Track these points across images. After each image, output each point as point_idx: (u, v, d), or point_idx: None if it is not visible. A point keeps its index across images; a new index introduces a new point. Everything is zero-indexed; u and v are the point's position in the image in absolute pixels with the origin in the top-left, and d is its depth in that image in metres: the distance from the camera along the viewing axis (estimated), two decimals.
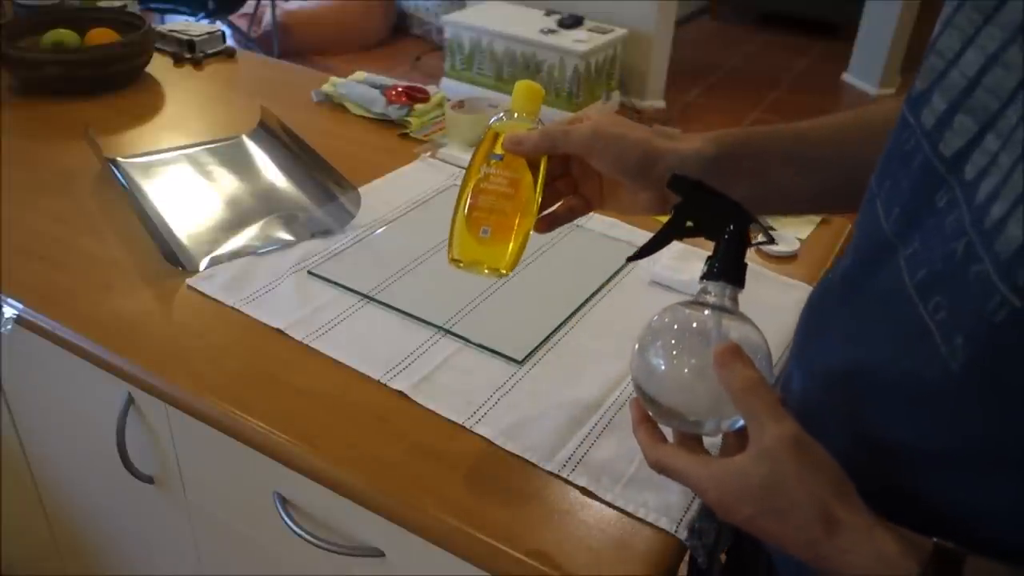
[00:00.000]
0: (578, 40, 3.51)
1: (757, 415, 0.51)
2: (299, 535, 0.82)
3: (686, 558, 0.71)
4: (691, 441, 0.59)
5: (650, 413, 0.59)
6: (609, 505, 0.71)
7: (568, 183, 0.71)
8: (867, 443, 0.52)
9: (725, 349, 0.52)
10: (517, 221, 0.67)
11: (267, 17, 4.15)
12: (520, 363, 0.86)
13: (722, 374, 0.52)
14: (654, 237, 0.62)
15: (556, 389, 0.83)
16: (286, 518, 0.83)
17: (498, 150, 0.68)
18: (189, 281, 0.96)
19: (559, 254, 1.04)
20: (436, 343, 0.88)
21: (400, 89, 1.38)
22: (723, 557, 0.90)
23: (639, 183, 0.65)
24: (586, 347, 0.89)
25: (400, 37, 4.64)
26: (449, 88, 3.72)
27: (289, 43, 4.17)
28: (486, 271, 0.67)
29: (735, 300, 0.57)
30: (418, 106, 1.36)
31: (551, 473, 0.73)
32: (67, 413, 1.06)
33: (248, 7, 4.03)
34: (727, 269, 0.57)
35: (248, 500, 0.89)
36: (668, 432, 0.60)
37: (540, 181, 0.66)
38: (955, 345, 0.45)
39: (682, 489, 0.72)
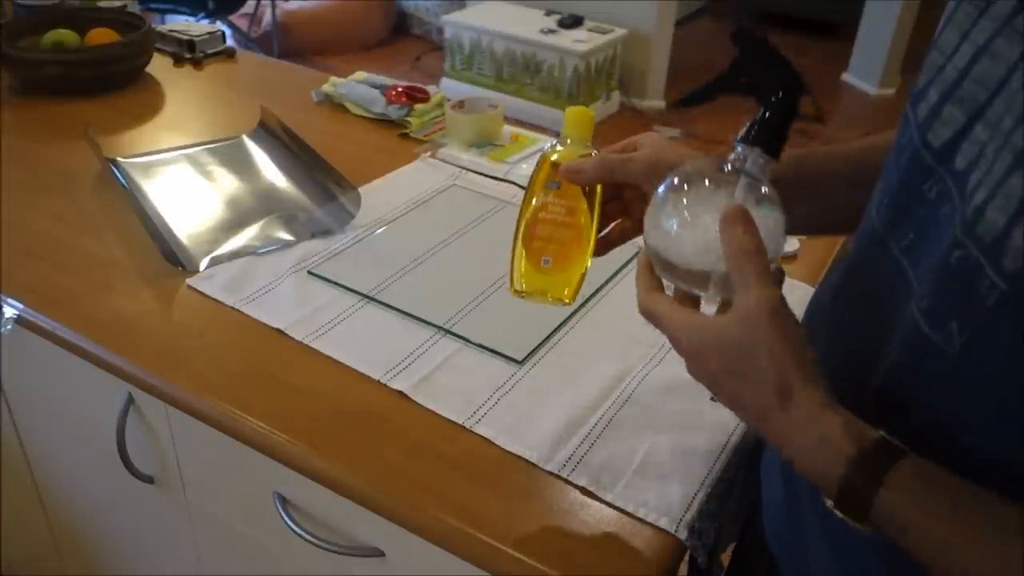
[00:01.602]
0: (578, 40, 3.51)
1: (746, 278, 0.51)
2: (299, 535, 0.82)
3: (686, 558, 0.71)
4: (686, 299, 0.58)
5: (655, 268, 0.58)
6: (609, 505, 0.71)
7: (619, 206, 0.71)
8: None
9: (733, 210, 0.52)
10: (577, 249, 0.67)
11: (267, 17, 4.15)
12: (520, 363, 0.86)
13: (723, 233, 0.52)
14: (704, 86, 0.60)
15: (556, 389, 0.83)
16: (286, 518, 0.83)
17: (555, 178, 0.67)
18: (189, 281, 0.96)
19: None
20: (436, 343, 0.88)
21: (400, 89, 1.38)
22: (726, 560, 0.90)
23: None
24: (586, 347, 0.89)
25: (400, 37, 4.64)
26: (449, 88, 3.72)
27: (289, 43, 4.17)
28: (550, 299, 0.69)
29: (763, 170, 0.55)
30: (418, 106, 1.36)
31: (551, 473, 0.73)
32: (67, 413, 1.06)
33: (248, 7, 4.03)
34: (765, 136, 0.54)
35: (248, 500, 0.89)
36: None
37: (596, 208, 0.67)
38: (949, 330, 0.45)
39: (682, 489, 0.72)
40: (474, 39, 3.72)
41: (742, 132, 0.55)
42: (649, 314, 0.57)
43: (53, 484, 1.19)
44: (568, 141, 0.69)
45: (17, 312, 0.92)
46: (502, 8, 3.82)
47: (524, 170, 1.20)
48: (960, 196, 0.45)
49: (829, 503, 0.49)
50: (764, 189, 0.55)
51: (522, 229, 0.68)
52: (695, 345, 0.54)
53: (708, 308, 0.57)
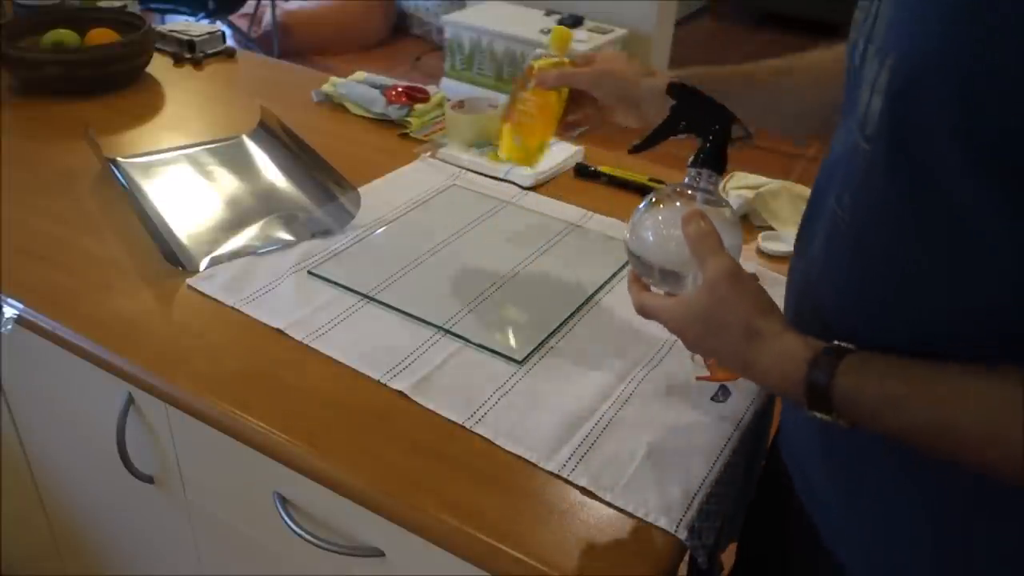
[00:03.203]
0: (578, 40, 3.50)
1: (704, 255, 0.63)
2: (299, 535, 0.82)
3: (685, 558, 0.71)
4: (670, 295, 0.69)
5: (640, 275, 0.71)
6: (609, 505, 0.71)
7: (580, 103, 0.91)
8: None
9: (691, 211, 0.65)
10: (542, 131, 0.92)
11: (267, 17, 4.15)
12: (520, 363, 0.86)
13: (684, 229, 0.64)
14: (652, 132, 0.73)
15: (556, 389, 0.83)
16: (286, 518, 0.83)
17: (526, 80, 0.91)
18: (189, 281, 0.96)
19: (559, 254, 1.04)
20: (436, 343, 0.88)
21: (400, 89, 1.38)
22: (727, 560, 0.90)
23: (624, 105, 0.88)
24: (586, 347, 0.89)
25: (400, 37, 4.63)
26: (449, 88, 3.72)
27: (289, 43, 4.17)
28: (519, 163, 0.96)
29: (715, 184, 0.69)
30: (418, 106, 1.36)
31: (551, 473, 0.73)
32: (67, 413, 1.06)
33: (248, 7, 4.03)
34: (710, 158, 0.68)
35: (248, 500, 0.89)
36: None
37: (561, 103, 0.91)
38: (844, 202, 0.57)
39: (683, 489, 0.72)
40: (474, 39, 3.72)
41: (691, 159, 0.69)
42: (642, 309, 0.69)
43: (53, 484, 1.19)
44: (549, 52, 0.91)
45: (17, 312, 0.92)
46: (502, 8, 3.82)
47: (524, 170, 1.20)
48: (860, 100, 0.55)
49: (807, 411, 0.57)
50: (715, 198, 0.68)
51: (509, 114, 0.93)
52: (679, 320, 0.65)
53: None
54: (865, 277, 0.57)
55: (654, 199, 0.70)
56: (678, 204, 0.68)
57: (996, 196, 0.47)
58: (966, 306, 0.52)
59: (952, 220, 0.50)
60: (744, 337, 0.60)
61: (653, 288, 0.70)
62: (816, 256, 0.62)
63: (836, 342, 0.56)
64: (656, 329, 0.89)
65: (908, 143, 0.50)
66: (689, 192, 0.68)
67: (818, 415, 0.56)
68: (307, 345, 0.87)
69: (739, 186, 1.15)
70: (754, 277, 0.63)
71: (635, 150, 0.75)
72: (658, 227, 0.68)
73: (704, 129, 0.68)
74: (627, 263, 1.01)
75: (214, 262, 0.99)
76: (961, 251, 0.51)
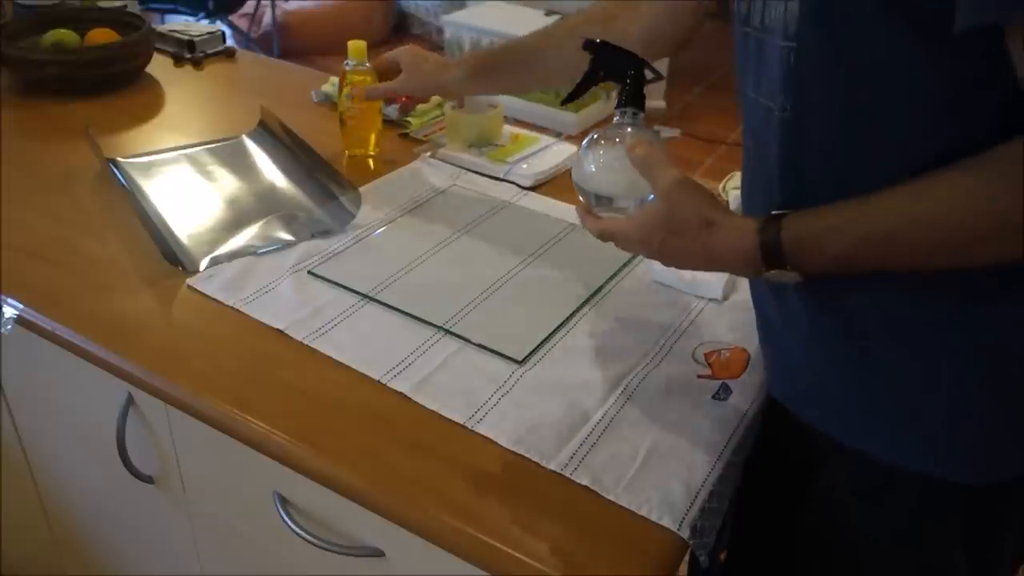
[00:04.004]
0: None
1: (653, 173, 0.71)
2: (299, 535, 0.82)
3: (685, 558, 0.71)
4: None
5: (590, 206, 0.78)
6: (611, 504, 0.71)
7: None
8: None
9: (632, 142, 0.73)
10: (369, 127, 1.25)
11: (267, 17, 4.14)
12: (520, 363, 0.86)
13: (631, 154, 0.72)
14: (577, 85, 0.81)
15: (557, 389, 0.83)
16: (286, 518, 0.83)
17: (349, 90, 1.20)
18: (189, 281, 0.96)
19: (559, 254, 1.04)
20: (436, 343, 0.88)
21: None
22: (722, 557, 0.90)
23: (433, 94, 1.22)
24: (586, 346, 0.89)
25: (400, 37, 4.63)
26: None
27: (289, 43, 4.17)
28: (364, 153, 1.26)
29: (639, 118, 0.77)
30: (418, 106, 1.36)
31: (553, 472, 0.73)
32: (67, 413, 1.06)
33: (248, 7, 4.03)
34: (632, 98, 0.76)
35: (248, 500, 0.89)
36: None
37: (378, 102, 1.24)
38: (780, 102, 0.66)
39: (685, 487, 0.72)
40: (474, 39, 3.71)
41: (617, 102, 0.77)
42: (603, 234, 0.76)
43: (53, 484, 1.19)
44: (354, 63, 1.20)
45: (17, 312, 0.92)
46: (502, 8, 3.82)
47: (524, 170, 1.20)
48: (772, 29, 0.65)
49: (765, 274, 0.67)
50: (644, 130, 0.76)
51: (343, 120, 1.24)
52: (640, 234, 0.72)
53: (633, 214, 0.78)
54: (809, 156, 0.67)
55: (595, 137, 0.78)
56: (617, 140, 0.76)
57: (906, 45, 0.58)
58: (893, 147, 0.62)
59: (875, 76, 0.60)
60: (702, 228, 0.68)
61: (596, 210, 0.78)
62: (770, 160, 0.70)
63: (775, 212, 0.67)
64: (657, 328, 0.89)
65: (832, 18, 0.60)
66: (620, 129, 0.77)
67: (775, 274, 0.66)
68: (307, 345, 0.87)
69: (738, 186, 1.15)
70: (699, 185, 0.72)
71: (565, 102, 0.87)
72: (601, 160, 0.77)
73: (621, 75, 0.77)
74: (627, 263, 1.02)
75: (214, 262, 0.99)
76: (884, 101, 0.60)
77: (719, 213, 0.69)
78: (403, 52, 1.16)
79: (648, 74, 0.76)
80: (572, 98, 0.83)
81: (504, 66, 1.10)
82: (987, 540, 0.73)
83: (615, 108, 0.77)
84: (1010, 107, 0.58)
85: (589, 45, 0.78)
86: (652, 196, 0.71)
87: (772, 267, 0.66)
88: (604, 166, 0.76)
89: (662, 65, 3.87)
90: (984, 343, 0.65)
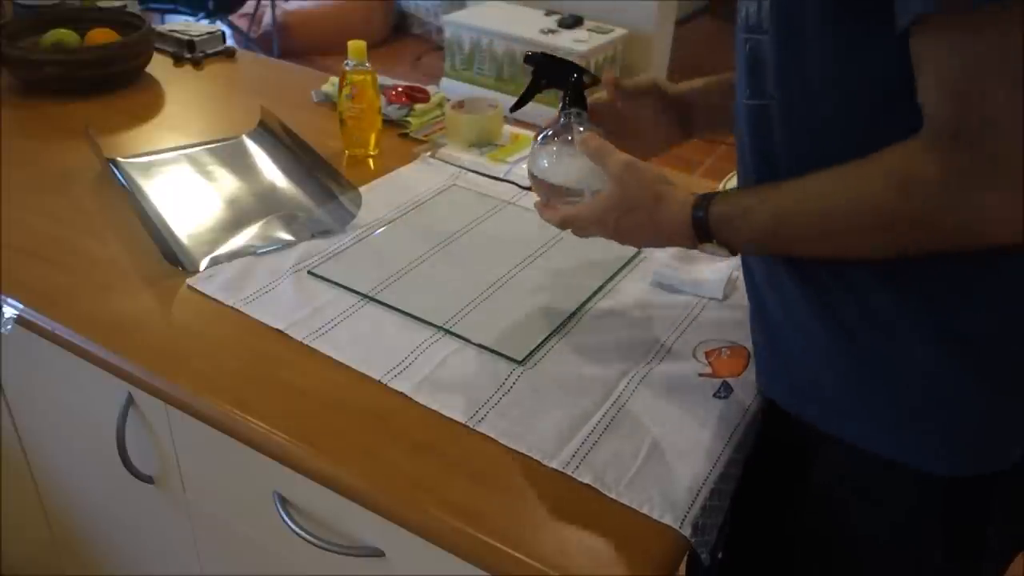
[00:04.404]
0: (578, 40, 3.50)
1: (605, 159, 0.77)
2: (299, 535, 0.82)
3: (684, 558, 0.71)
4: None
5: (546, 197, 0.85)
6: (613, 503, 0.71)
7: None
8: None
9: (583, 135, 0.80)
10: (369, 127, 1.24)
11: (267, 17, 4.14)
12: (520, 363, 0.85)
13: (585, 147, 0.78)
14: (523, 93, 0.89)
15: (557, 388, 0.82)
16: (286, 518, 0.83)
17: (349, 90, 1.20)
18: (189, 281, 0.96)
19: (559, 254, 1.04)
20: (436, 343, 0.88)
21: (400, 89, 1.38)
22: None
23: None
24: (587, 346, 0.89)
25: (400, 37, 4.63)
26: (449, 88, 3.71)
27: (289, 43, 4.17)
28: (363, 154, 1.25)
29: (583, 117, 0.85)
30: (418, 106, 1.36)
31: (555, 471, 0.73)
32: (67, 413, 1.06)
33: (248, 7, 4.03)
34: (575, 100, 0.85)
35: (248, 500, 0.89)
36: None
37: (377, 97, 1.23)
38: (748, 90, 0.70)
39: (686, 486, 0.72)
40: (474, 39, 3.71)
41: (561, 105, 0.86)
42: (563, 221, 0.81)
43: (53, 484, 1.19)
44: (354, 63, 1.18)
45: (17, 312, 0.92)
46: (502, 8, 3.82)
47: (524, 170, 1.20)
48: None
49: (700, 247, 0.73)
50: (589, 125, 0.84)
51: (343, 120, 1.23)
52: (597, 216, 0.78)
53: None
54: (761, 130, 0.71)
55: (549, 134, 0.85)
56: (568, 137, 0.83)
57: (857, 38, 0.61)
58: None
59: (827, 68, 0.63)
60: (653, 202, 0.74)
61: (553, 200, 0.85)
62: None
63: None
64: (657, 327, 0.89)
65: (788, 13, 0.64)
66: (568, 128, 0.84)
67: (709, 247, 0.73)
68: (307, 345, 0.87)
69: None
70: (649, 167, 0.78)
71: (513, 109, 0.92)
72: (555, 155, 0.84)
73: (562, 82, 0.86)
74: (627, 263, 1.02)
75: (214, 262, 0.99)
76: (837, 93, 0.64)
77: (667, 187, 0.75)
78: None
79: (587, 78, 0.86)
80: (519, 106, 0.90)
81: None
82: (972, 531, 0.74)
83: (560, 110, 0.86)
84: None
85: (531, 58, 0.88)
86: (605, 183, 0.79)
87: (703, 240, 0.72)
88: (558, 160, 0.84)
89: (661, 65, 3.87)
90: (959, 332, 0.66)
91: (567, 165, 0.83)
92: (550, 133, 0.85)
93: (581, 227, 0.80)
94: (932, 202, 0.58)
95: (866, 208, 0.62)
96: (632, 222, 0.76)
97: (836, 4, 0.61)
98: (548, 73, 0.88)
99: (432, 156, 1.26)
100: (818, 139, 0.66)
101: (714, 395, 0.82)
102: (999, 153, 0.55)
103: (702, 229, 0.71)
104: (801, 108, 0.66)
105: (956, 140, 0.56)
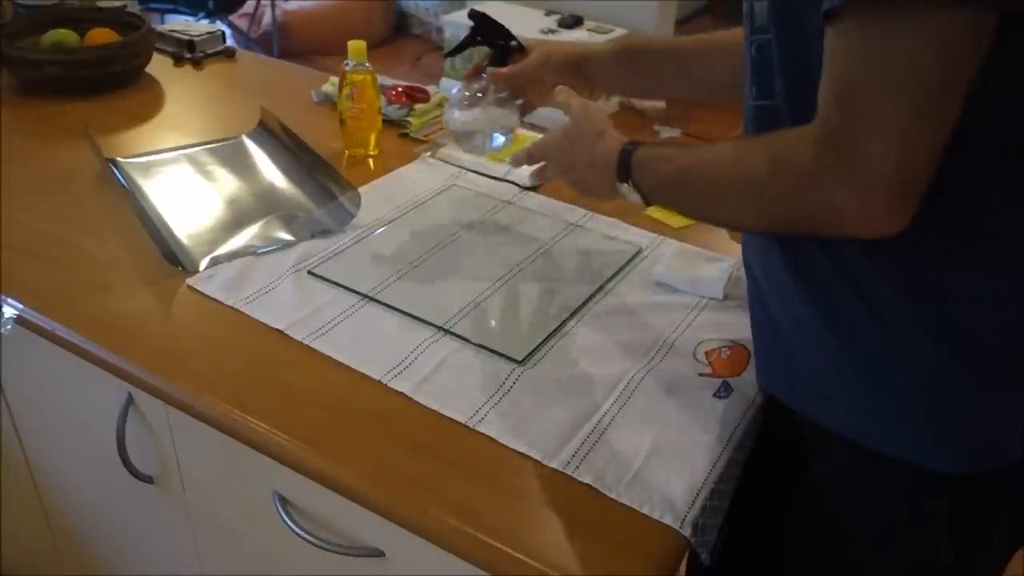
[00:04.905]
0: (578, 40, 3.50)
1: (570, 102, 0.87)
2: (299, 535, 0.82)
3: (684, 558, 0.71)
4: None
5: (461, 143, 1.04)
6: (613, 502, 0.71)
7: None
8: None
9: (559, 88, 0.91)
10: (369, 127, 1.25)
11: (267, 17, 4.14)
12: (520, 362, 0.85)
13: (559, 97, 0.89)
14: (459, 43, 1.06)
15: (557, 387, 0.82)
16: (286, 518, 0.83)
17: (349, 91, 1.20)
18: (189, 281, 0.96)
19: (559, 254, 1.04)
20: (436, 343, 0.88)
21: (400, 89, 1.38)
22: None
23: (575, 77, 1.01)
24: (587, 346, 0.89)
25: (400, 37, 4.63)
26: (449, 88, 3.71)
27: (289, 43, 4.16)
28: (362, 155, 1.26)
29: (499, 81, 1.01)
30: (418, 106, 1.36)
31: (555, 471, 0.73)
32: (67, 413, 1.06)
33: (248, 7, 4.03)
34: (497, 62, 1.01)
35: (248, 500, 0.89)
36: None
37: (377, 97, 1.24)
38: (751, 90, 0.73)
39: (686, 486, 0.72)
40: None
41: (485, 64, 1.02)
42: (530, 153, 0.91)
43: (53, 484, 1.19)
44: (354, 63, 1.19)
45: (17, 312, 0.92)
46: (502, 8, 3.82)
47: (524, 170, 1.20)
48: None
49: (620, 187, 0.79)
50: (500, 89, 1.01)
51: (343, 120, 1.23)
52: (552, 141, 0.89)
53: (489, 148, 1.05)
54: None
55: (464, 89, 1.02)
56: (479, 94, 1.01)
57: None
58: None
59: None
60: (596, 137, 0.82)
61: (470, 149, 1.06)
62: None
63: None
64: (657, 327, 0.89)
65: (786, 14, 0.66)
66: (486, 86, 1.01)
67: (623, 188, 0.78)
68: (307, 345, 0.87)
69: None
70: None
71: (448, 55, 1.12)
72: (467, 106, 1.02)
73: (493, 43, 1.01)
74: (628, 263, 1.02)
75: (214, 262, 0.99)
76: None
77: (611, 129, 0.83)
78: (531, 41, 1.06)
79: (514, 45, 1.02)
80: (453, 54, 1.10)
81: (650, 56, 1.02)
82: (973, 529, 0.74)
83: (482, 70, 1.02)
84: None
85: (473, 15, 1.03)
86: (510, 135, 1.03)
87: (622, 180, 0.78)
88: (471, 110, 1.01)
89: None
90: (962, 331, 0.67)
91: (478, 114, 1.01)
92: (466, 91, 1.02)
93: (540, 150, 0.90)
94: (796, 187, 0.62)
95: (739, 178, 0.68)
96: (575, 154, 0.85)
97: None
98: (484, 32, 1.02)
99: (432, 156, 1.26)
100: None
101: (714, 395, 0.82)
102: (866, 156, 0.57)
103: (624, 166, 0.78)
104: (807, 109, 0.66)
105: (830, 137, 0.59)
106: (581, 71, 1.01)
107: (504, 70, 1.02)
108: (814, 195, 0.61)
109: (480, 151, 1.06)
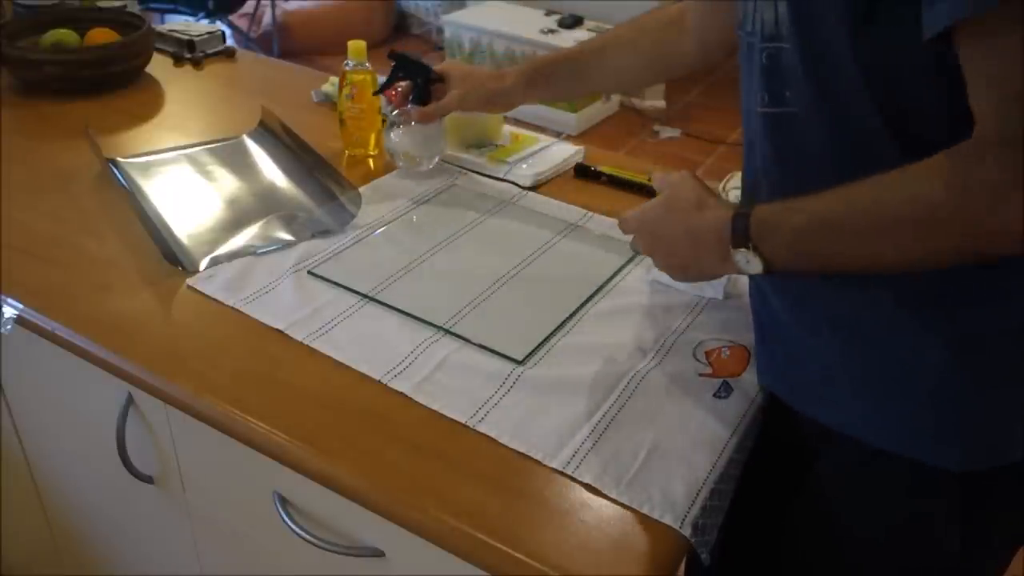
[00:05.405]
0: (578, 40, 3.50)
1: (666, 178, 0.81)
2: (299, 535, 0.82)
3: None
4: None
5: (398, 164, 1.20)
6: (614, 502, 0.71)
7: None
8: None
9: (656, 175, 0.84)
10: (369, 127, 1.26)
11: (267, 17, 4.14)
12: (520, 362, 0.85)
13: (663, 179, 0.81)
14: (384, 82, 1.17)
15: (558, 388, 0.82)
16: (286, 518, 0.83)
17: (349, 91, 1.22)
18: (189, 281, 0.96)
19: (559, 254, 1.04)
20: (436, 343, 0.88)
21: (400, 89, 1.37)
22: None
23: (490, 106, 1.16)
24: (587, 345, 0.88)
25: (400, 37, 4.63)
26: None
27: (289, 43, 4.17)
28: (362, 154, 1.28)
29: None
30: None
31: (555, 471, 0.73)
32: (67, 413, 1.06)
33: (248, 7, 4.03)
34: (420, 99, 1.13)
35: (248, 500, 0.89)
36: None
37: (377, 99, 1.24)
38: (761, 97, 0.72)
39: (687, 485, 0.72)
40: (474, 39, 3.71)
41: (411, 98, 1.14)
42: (622, 222, 0.84)
43: (53, 484, 1.19)
44: (354, 63, 1.21)
45: (17, 312, 0.92)
46: (502, 8, 3.82)
47: (524, 170, 1.20)
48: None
49: (733, 254, 0.71)
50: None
51: (343, 120, 1.25)
52: (644, 213, 0.81)
53: (426, 166, 1.20)
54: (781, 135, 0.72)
55: (400, 117, 1.16)
56: (412, 123, 1.16)
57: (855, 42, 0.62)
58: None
59: (842, 76, 0.64)
60: (695, 208, 0.75)
61: (405, 165, 1.20)
62: (764, 156, 0.75)
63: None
64: (657, 327, 0.89)
65: (804, 21, 0.65)
66: (410, 116, 1.15)
67: (740, 254, 0.70)
68: (307, 345, 0.87)
69: (738, 186, 1.15)
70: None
71: (377, 93, 1.20)
72: (403, 132, 1.17)
73: (414, 78, 1.13)
74: (628, 263, 1.02)
75: (214, 262, 0.99)
76: (852, 100, 0.64)
77: (712, 197, 0.76)
78: (448, 66, 1.14)
79: (435, 78, 1.12)
80: (380, 91, 1.19)
81: (559, 74, 1.10)
82: (975, 528, 0.74)
83: (409, 102, 1.14)
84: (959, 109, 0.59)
85: (393, 55, 1.13)
86: (437, 158, 1.20)
87: (737, 245, 0.70)
88: (404, 134, 1.17)
89: None
90: (967, 330, 0.67)
91: (410, 136, 1.16)
92: (401, 116, 1.15)
93: (636, 223, 0.82)
94: (988, 205, 0.57)
95: (921, 207, 0.60)
96: (672, 224, 0.78)
97: (862, 13, 0.61)
98: (404, 68, 1.14)
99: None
100: (859, 146, 0.66)
101: (714, 395, 0.82)
102: None
103: (742, 229, 0.70)
104: (830, 114, 0.66)
105: (1016, 144, 0.55)
106: (497, 104, 1.12)
107: (428, 110, 1.13)
108: (1004, 210, 0.56)
109: (418, 167, 1.19)
